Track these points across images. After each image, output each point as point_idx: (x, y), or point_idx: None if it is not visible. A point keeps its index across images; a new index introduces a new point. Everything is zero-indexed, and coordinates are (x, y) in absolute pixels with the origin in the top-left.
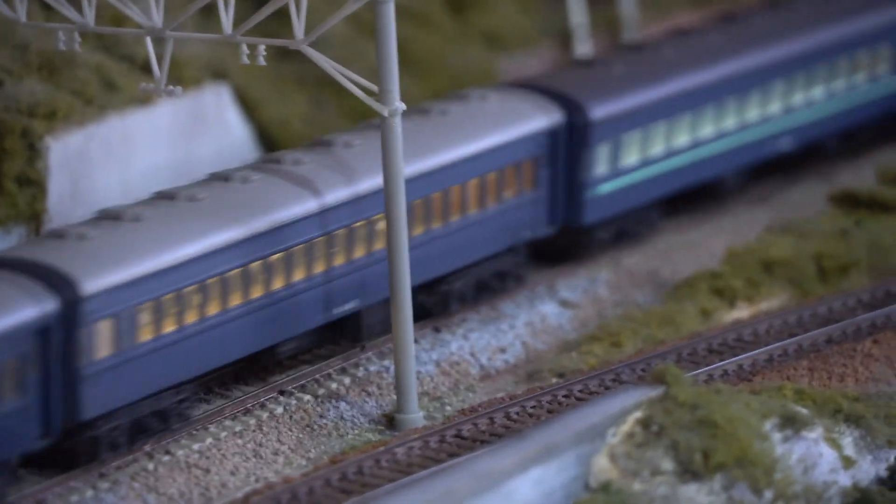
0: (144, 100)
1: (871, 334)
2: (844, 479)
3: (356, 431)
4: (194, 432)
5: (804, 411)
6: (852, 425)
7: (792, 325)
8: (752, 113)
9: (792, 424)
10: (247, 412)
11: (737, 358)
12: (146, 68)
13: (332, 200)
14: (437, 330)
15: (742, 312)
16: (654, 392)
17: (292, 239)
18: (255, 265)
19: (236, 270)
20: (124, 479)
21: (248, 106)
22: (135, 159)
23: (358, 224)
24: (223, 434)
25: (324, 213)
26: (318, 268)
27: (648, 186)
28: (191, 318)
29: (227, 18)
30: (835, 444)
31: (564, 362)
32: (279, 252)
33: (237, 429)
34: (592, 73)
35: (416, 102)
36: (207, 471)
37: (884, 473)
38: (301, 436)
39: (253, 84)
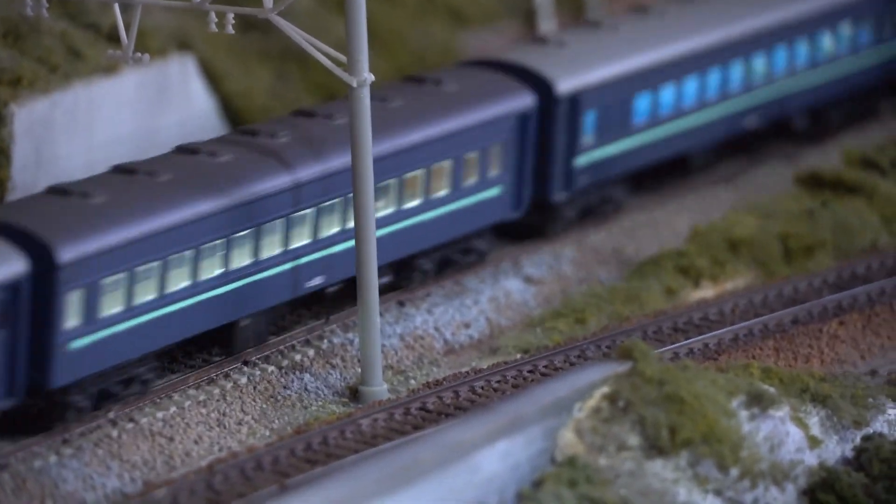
0: (109, 69)
1: (836, 315)
2: (811, 459)
3: (320, 403)
4: (158, 401)
5: (771, 390)
6: (819, 405)
7: (757, 304)
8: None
9: (759, 403)
10: (211, 382)
11: (702, 337)
12: (111, 37)
13: None
14: (401, 304)
15: (707, 291)
16: (621, 367)
17: None
18: None
19: None
20: (88, 445)
21: (212, 77)
22: (99, 128)
23: None
24: (187, 403)
25: None
26: None
27: (138, 338)
28: None
29: None
30: (801, 424)
31: (529, 338)
32: None
33: (201, 398)
34: (67, 205)
35: (380, 78)
36: (171, 439)
37: (850, 454)
38: (265, 406)
39: (218, 55)
